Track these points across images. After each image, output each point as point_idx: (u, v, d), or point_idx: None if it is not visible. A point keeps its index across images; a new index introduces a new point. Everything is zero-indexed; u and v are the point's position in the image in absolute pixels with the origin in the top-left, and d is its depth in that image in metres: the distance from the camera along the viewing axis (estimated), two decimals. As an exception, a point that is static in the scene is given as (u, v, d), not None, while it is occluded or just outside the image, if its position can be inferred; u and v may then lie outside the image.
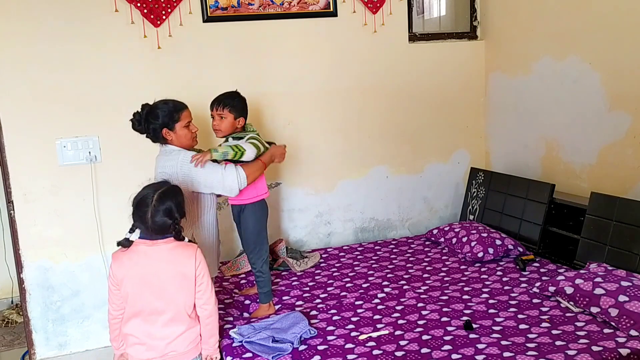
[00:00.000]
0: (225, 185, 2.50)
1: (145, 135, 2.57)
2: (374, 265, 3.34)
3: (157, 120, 2.50)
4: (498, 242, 3.27)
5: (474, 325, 2.48)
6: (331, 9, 3.56)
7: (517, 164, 3.78)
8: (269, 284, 2.81)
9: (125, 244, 2.16)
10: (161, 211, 2.09)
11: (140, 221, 2.13)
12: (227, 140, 2.74)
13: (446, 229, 3.62)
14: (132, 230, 2.17)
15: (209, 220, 2.65)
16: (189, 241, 2.22)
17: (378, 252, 3.56)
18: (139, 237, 2.18)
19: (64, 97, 3.17)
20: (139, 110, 2.55)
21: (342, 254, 3.58)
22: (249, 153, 2.59)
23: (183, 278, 2.15)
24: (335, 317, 2.67)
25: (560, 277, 2.73)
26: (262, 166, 2.69)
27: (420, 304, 2.75)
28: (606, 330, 2.36)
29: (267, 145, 2.75)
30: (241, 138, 2.69)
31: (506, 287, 2.88)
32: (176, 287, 2.14)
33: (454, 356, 2.25)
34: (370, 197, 3.89)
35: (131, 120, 2.55)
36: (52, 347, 3.35)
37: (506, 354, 2.22)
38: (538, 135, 3.59)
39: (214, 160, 2.54)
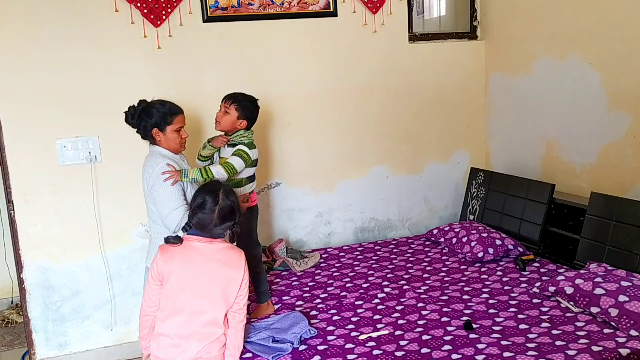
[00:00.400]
0: (165, 222, 2.45)
1: (135, 130, 2.57)
2: (374, 265, 3.34)
3: (150, 118, 2.50)
4: (498, 242, 3.27)
5: (474, 325, 2.48)
6: (331, 9, 3.56)
7: (517, 164, 3.78)
8: (266, 283, 2.81)
9: (176, 241, 2.16)
10: (226, 210, 2.11)
11: (204, 220, 2.13)
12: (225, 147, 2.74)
13: (446, 229, 3.62)
14: (186, 229, 2.19)
15: None
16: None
17: (378, 252, 3.56)
18: (191, 234, 2.19)
19: (64, 97, 3.17)
20: (135, 104, 2.56)
21: (342, 254, 3.58)
22: (219, 174, 2.60)
23: (230, 280, 2.14)
24: (335, 317, 2.67)
25: (560, 277, 2.72)
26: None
27: (420, 304, 2.75)
28: (606, 330, 2.36)
29: (251, 160, 2.70)
30: (234, 145, 2.70)
31: (506, 287, 2.88)
32: (222, 288, 2.13)
33: (454, 356, 2.25)
34: (370, 197, 3.89)
35: (125, 112, 2.56)
36: (52, 347, 3.35)
37: (506, 354, 2.22)
38: (538, 135, 3.59)
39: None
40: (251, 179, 2.79)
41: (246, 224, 2.77)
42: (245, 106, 2.71)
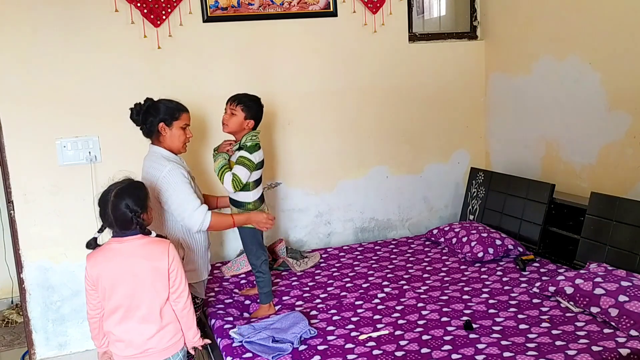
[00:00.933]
0: (186, 223, 2.49)
1: (140, 127, 2.57)
2: (374, 265, 3.34)
3: (157, 113, 2.52)
4: (498, 242, 3.27)
5: (474, 325, 2.48)
6: (331, 9, 3.56)
7: (517, 164, 3.78)
8: (269, 284, 2.81)
9: (92, 243, 2.18)
10: (120, 205, 2.11)
11: (103, 218, 2.16)
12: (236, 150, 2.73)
13: (446, 229, 3.62)
14: (100, 230, 2.19)
15: None
16: (159, 236, 2.22)
17: (378, 252, 3.56)
18: (112, 237, 2.21)
19: (64, 97, 3.17)
20: (141, 102, 2.58)
21: (342, 254, 3.57)
22: (229, 186, 2.64)
23: (157, 273, 2.16)
24: (335, 317, 2.67)
25: (560, 277, 2.72)
26: (231, 225, 2.67)
27: (420, 304, 2.75)
28: (606, 330, 2.36)
29: (254, 164, 2.68)
30: (241, 148, 2.69)
31: (506, 287, 2.88)
32: (150, 282, 2.16)
33: (454, 356, 2.25)
34: (370, 197, 3.89)
35: (131, 108, 2.57)
36: (52, 347, 3.35)
37: (506, 354, 2.22)
38: (538, 135, 3.59)
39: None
40: (257, 182, 2.75)
41: (254, 230, 2.77)
42: (250, 106, 2.71)
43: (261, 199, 2.78)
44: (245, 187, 2.69)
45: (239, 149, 2.70)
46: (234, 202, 2.76)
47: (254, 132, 2.73)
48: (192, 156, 3.44)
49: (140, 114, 2.54)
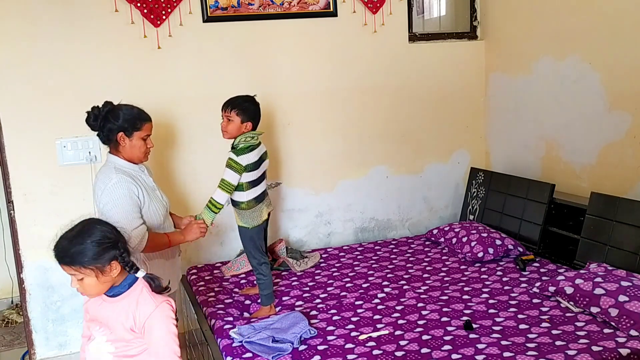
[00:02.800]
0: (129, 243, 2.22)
1: (96, 133, 2.39)
2: (374, 265, 3.34)
3: (117, 120, 2.33)
4: (498, 242, 3.27)
5: (474, 325, 2.48)
6: (331, 9, 3.56)
7: (517, 164, 3.78)
8: (271, 286, 2.81)
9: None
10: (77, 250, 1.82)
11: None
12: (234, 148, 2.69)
13: (446, 229, 3.62)
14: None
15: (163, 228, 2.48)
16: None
17: (378, 252, 3.56)
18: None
19: (64, 97, 3.17)
20: (100, 105, 2.37)
21: (342, 254, 3.57)
22: (220, 198, 2.62)
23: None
24: (335, 317, 2.67)
25: (560, 277, 2.72)
26: (167, 244, 2.44)
27: (420, 304, 2.75)
28: (606, 330, 2.36)
29: (241, 166, 2.63)
30: (233, 148, 2.68)
31: (506, 287, 2.88)
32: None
33: (454, 356, 2.25)
34: (370, 197, 3.89)
35: (88, 112, 2.37)
36: (52, 347, 3.35)
37: (506, 354, 2.22)
38: (538, 135, 3.59)
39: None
40: (253, 183, 2.71)
41: (251, 231, 2.77)
42: (245, 108, 2.69)
43: (258, 198, 2.76)
44: (238, 187, 2.68)
45: (232, 148, 2.69)
46: (233, 202, 2.76)
47: (249, 133, 2.70)
48: (191, 160, 3.45)
49: (99, 119, 2.33)
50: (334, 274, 3.26)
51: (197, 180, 3.44)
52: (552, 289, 2.70)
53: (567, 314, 2.53)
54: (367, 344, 2.38)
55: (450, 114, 3.97)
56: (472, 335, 2.40)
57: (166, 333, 1.80)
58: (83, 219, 1.88)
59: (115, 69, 3.23)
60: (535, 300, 2.70)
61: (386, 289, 2.97)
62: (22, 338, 3.79)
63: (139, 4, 3.18)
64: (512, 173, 3.68)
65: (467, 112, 4.02)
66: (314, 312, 2.74)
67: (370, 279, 3.14)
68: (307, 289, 3.07)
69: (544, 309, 2.60)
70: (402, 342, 2.38)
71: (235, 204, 2.74)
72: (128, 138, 2.36)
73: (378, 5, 3.64)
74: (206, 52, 3.39)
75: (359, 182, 3.85)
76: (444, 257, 3.39)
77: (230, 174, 2.63)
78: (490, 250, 3.22)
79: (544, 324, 2.46)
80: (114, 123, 2.33)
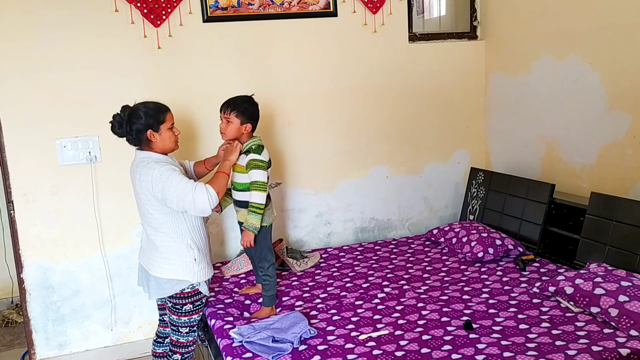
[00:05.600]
0: (197, 209, 2.45)
1: (125, 138, 2.51)
2: (374, 265, 3.34)
3: (140, 120, 2.44)
4: (498, 242, 3.27)
5: (474, 325, 2.48)
6: (331, 9, 3.56)
7: (517, 164, 3.78)
8: (274, 288, 2.81)
9: None
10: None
11: None
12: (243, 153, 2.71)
13: (446, 229, 3.62)
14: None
15: (197, 226, 2.62)
16: None
17: (378, 252, 3.56)
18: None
19: (64, 97, 3.17)
20: (119, 112, 2.49)
21: (342, 254, 3.58)
22: (260, 199, 2.63)
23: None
24: (335, 317, 2.67)
25: (560, 277, 2.73)
26: (226, 177, 2.62)
27: (420, 304, 2.75)
28: (606, 330, 2.36)
29: (266, 163, 2.69)
30: (248, 152, 2.68)
31: (506, 287, 2.88)
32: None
33: (454, 356, 2.25)
34: (370, 197, 3.89)
35: (111, 122, 2.49)
36: (52, 347, 3.35)
37: (506, 354, 2.22)
38: (538, 135, 3.59)
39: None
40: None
41: (266, 230, 2.78)
42: (244, 109, 2.68)
43: (269, 197, 2.79)
44: (247, 188, 2.69)
45: (246, 152, 2.69)
46: (239, 203, 2.76)
47: (254, 138, 2.72)
48: (191, 160, 3.44)
49: (123, 125, 2.46)
50: (334, 274, 3.26)
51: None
52: (552, 289, 2.70)
53: (567, 314, 2.53)
54: (367, 344, 2.38)
55: (450, 114, 3.97)
56: (472, 335, 2.40)
57: None
58: None
59: (115, 69, 3.23)
60: (535, 300, 2.70)
61: (386, 289, 2.97)
62: (22, 338, 3.79)
63: (139, 4, 3.18)
64: (512, 173, 3.69)
65: (467, 112, 4.02)
66: (314, 312, 2.74)
67: (370, 279, 3.14)
68: (307, 289, 3.07)
69: (544, 309, 2.60)
70: (402, 342, 2.38)
71: (245, 205, 2.72)
72: (157, 132, 2.48)
73: (378, 5, 3.64)
74: (206, 52, 3.38)
75: (359, 182, 3.85)
76: (444, 257, 3.39)
77: (259, 173, 2.64)
78: (490, 250, 3.23)
79: (544, 324, 2.46)
80: (139, 123, 2.45)
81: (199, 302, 2.61)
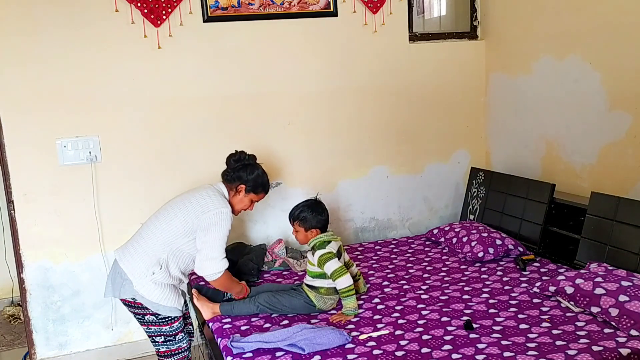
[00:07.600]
0: (201, 264, 2.53)
1: (227, 170, 2.72)
2: (374, 265, 3.34)
3: (250, 176, 2.68)
4: (498, 242, 3.27)
5: (474, 325, 2.48)
6: (331, 9, 3.56)
7: (517, 164, 3.78)
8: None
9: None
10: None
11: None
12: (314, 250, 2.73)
13: (446, 228, 3.62)
14: None
15: (185, 262, 2.63)
16: None
17: (378, 252, 3.56)
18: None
19: (64, 97, 3.17)
20: (248, 153, 2.75)
21: (342, 254, 3.57)
22: (346, 282, 2.63)
23: None
24: (335, 317, 2.67)
25: (560, 277, 2.72)
26: (240, 288, 2.75)
27: (420, 304, 2.75)
28: (606, 330, 2.36)
29: (334, 254, 2.68)
30: (313, 249, 2.73)
31: (506, 287, 2.88)
32: None
33: (454, 356, 2.25)
34: (370, 197, 3.89)
35: (236, 151, 2.75)
36: (53, 347, 3.35)
37: (506, 354, 2.22)
38: (538, 135, 3.59)
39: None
40: None
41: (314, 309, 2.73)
42: (305, 219, 2.75)
43: (336, 290, 2.70)
44: (322, 275, 2.68)
45: (312, 250, 2.74)
46: (309, 286, 2.74)
47: (318, 237, 2.74)
48: (191, 160, 3.45)
49: (239, 163, 2.69)
50: (334, 273, 3.25)
51: (197, 179, 3.43)
52: (552, 288, 2.70)
53: (568, 314, 2.53)
54: (367, 344, 2.38)
55: (451, 114, 3.97)
56: (472, 335, 2.39)
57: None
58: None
59: (116, 69, 3.23)
60: (535, 300, 2.70)
61: (386, 289, 2.97)
62: (22, 338, 3.80)
63: (139, 4, 3.18)
64: (513, 173, 3.68)
65: (467, 112, 4.02)
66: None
67: (370, 278, 3.13)
68: (308, 288, 3.06)
69: (544, 309, 2.60)
70: (402, 342, 2.38)
71: (314, 288, 2.71)
72: (245, 193, 2.71)
73: (378, 5, 3.64)
74: (206, 52, 3.39)
75: (359, 182, 3.85)
76: (444, 257, 3.39)
77: (332, 263, 2.64)
78: (491, 250, 3.22)
79: (545, 324, 2.46)
80: (247, 176, 2.69)
81: (163, 317, 2.55)
